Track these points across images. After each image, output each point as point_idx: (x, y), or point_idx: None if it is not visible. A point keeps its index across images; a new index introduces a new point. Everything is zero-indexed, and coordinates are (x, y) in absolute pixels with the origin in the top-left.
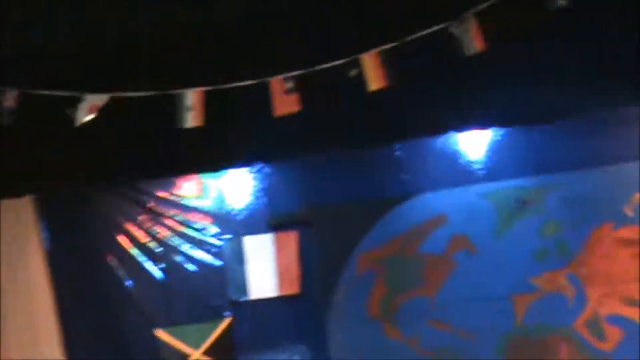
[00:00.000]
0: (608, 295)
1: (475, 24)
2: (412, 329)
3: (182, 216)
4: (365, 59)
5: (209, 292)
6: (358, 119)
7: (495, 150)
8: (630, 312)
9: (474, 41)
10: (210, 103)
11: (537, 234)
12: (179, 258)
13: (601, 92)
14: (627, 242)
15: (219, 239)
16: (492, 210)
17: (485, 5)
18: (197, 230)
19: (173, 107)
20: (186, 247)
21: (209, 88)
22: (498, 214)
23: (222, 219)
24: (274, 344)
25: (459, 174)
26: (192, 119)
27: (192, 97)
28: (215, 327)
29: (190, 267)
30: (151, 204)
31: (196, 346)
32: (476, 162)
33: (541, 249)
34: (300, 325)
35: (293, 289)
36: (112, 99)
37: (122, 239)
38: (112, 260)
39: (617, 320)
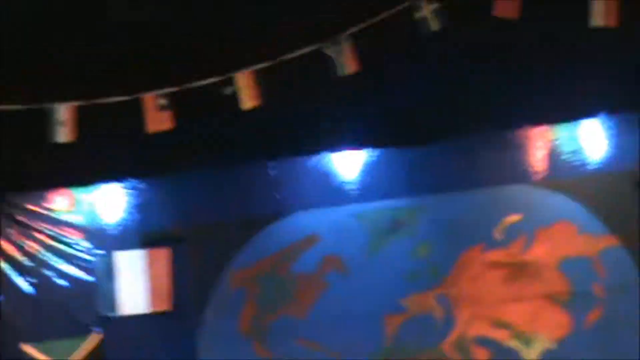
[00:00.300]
0: (476, 317)
1: (349, 45)
2: (281, 348)
3: (53, 230)
4: (239, 77)
5: (79, 307)
6: (232, 137)
7: (368, 170)
8: (497, 334)
9: (347, 62)
10: (82, 118)
11: (409, 255)
12: (49, 272)
13: (473, 117)
14: (496, 265)
15: (90, 254)
16: (364, 230)
17: (359, 27)
18: (68, 244)
19: (45, 121)
20: (57, 262)
21: (82, 103)
22: (370, 234)
23: (93, 233)
24: None
25: (332, 193)
26: (64, 133)
27: (64, 112)
28: (83, 342)
29: (61, 281)
30: (21, 218)
31: None
32: (349, 182)
33: (412, 270)
34: (171, 342)
35: (164, 305)
36: None
37: None
38: None
39: (484, 341)
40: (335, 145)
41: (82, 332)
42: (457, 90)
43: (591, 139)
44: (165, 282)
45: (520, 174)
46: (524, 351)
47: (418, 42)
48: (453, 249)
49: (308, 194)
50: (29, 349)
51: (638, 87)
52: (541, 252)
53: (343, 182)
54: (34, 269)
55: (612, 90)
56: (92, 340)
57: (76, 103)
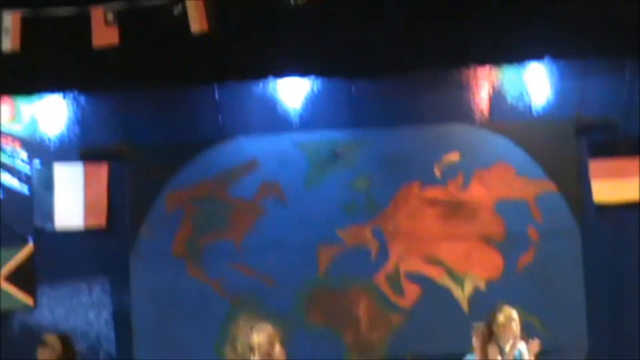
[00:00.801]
0: (410, 253)
1: None
2: (215, 270)
3: None
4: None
5: (14, 218)
6: (179, 59)
7: (312, 100)
8: (430, 271)
9: None
10: (28, 28)
11: (348, 187)
12: None
13: (420, 53)
14: (433, 202)
15: (28, 165)
16: (305, 160)
17: None
18: (6, 154)
19: None
20: None
21: (28, 12)
22: (310, 164)
23: (33, 145)
24: (76, 275)
25: (275, 121)
26: (8, 42)
27: (9, 20)
28: (16, 253)
29: None
30: None
31: None
32: (293, 111)
33: (350, 202)
34: (104, 258)
35: (100, 221)
36: None
37: None
38: None
39: (417, 277)
40: (282, 72)
41: (16, 243)
42: (405, 27)
43: (535, 83)
44: (101, 198)
45: (463, 113)
46: (456, 289)
47: None
48: (391, 183)
49: (251, 119)
50: None
51: (583, 34)
52: (478, 192)
53: (287, 110)
54: None
55: (558, 35)
56: (25, 251)
57: (22, 11)
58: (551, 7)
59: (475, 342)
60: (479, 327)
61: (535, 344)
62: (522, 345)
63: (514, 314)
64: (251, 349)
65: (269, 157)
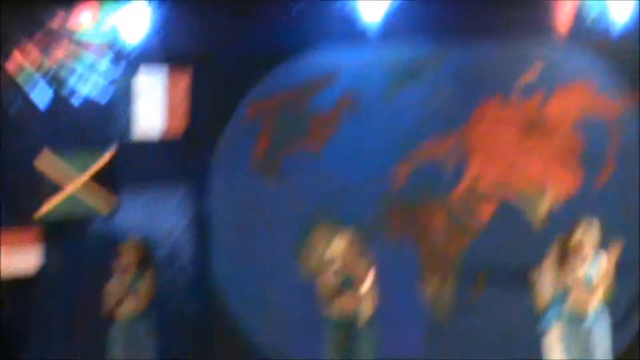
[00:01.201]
0: (487, 169)
1: None
2: (293, 181)
3: (74, 47)
4: None
5: (95, 126)
6: None
7: (393, 14)
8: (507, 187)
9: None
10: None
11: (426, 102)
12: (67, 90)
13: None
14: (512, 119)
15: (110, 74)
16: (384, 73)
17: None
18: (87, 63)
19: None
20: (75, 80)
21: None
22: (389, 78)
23: (114, 53)
24: (155, 183)
25: (355, 34)
26: None
27: None
28: (97, 159)
29: (78, 99)
30: (44, 32)
31: (76, 176)
32: (373, 24)
33: (428, 117)
34: (183, 166)
35: (180, 129)
36: None
37: (10, 66)
38: None
39: (493, 193)
40: None
41: (97, 149)
42: None
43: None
44: (182, 105)
45: (545, 29)
46: (532, 206)
47: None
48: (470, 99)
49: (332, 32)
50: (44, 159)
51: None
52: (558, 109)
53: (367, 23)
54: (52, 85)
55: None
56: (105, 158)
57: None
58: None
59: (551, 259)
60: (556, 244)
61: (615, 249)
62: (597, 263)
63: (591, 231)
64: (329, 259)
65: (348, 71)
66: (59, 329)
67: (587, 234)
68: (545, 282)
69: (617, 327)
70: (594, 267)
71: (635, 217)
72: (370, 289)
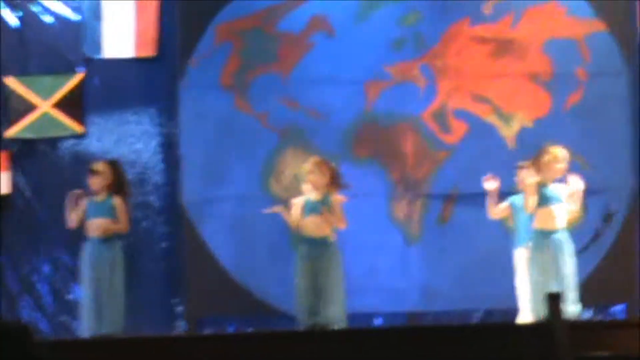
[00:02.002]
0: (458, 90)
1: None
2: (262, 104)
3: None
4: None
5: (64, 45)
6: None
7: None
8: (477, 109)
9: None
10: None
11: (397, 23)
12: (36, 8)
13: None
14: (482, 40)
15: None
16: None
17: None
18: None
19: None
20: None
21: None
22: None
23: None
24: (124, 105)
25: None
26: None
27: None
28: (66, 81)
29: (48, 18)
30: None
31: (45, 97)
32: None
33: (399, 38)
34: (153, 88)
35: (149, 51)
36: None
37: None
38: None
39: (463, 114)
40: None
41: (66, 70)
42: None
43: None
44: (152, 27)
45: None
46: (502, 127)
47: None
48: (441, 20)
49: None
50: (12, 82)
51: None
52: (528, 30)
53: None
54: (20, 3)
55: None
56: (75, 79)
57: None
58: None
59: (520, 180)
60: (524, 165)
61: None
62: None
63: (560, 152)
64: (299, 182)
65: None
66: (30, 252)
67: (557, 155)
68: (516, 201)
69: (581, 253)
70: (563, 187)
71: (604, 140)
72: (340, 210)
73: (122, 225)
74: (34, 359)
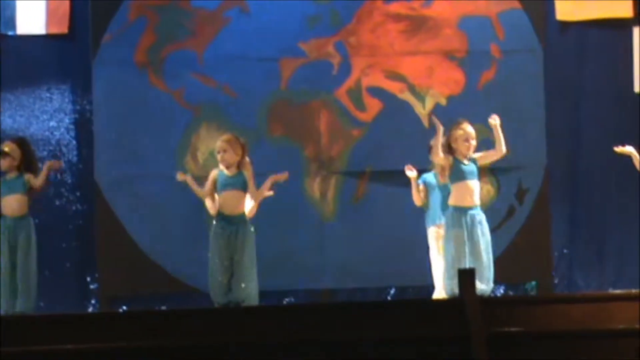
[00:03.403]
0: (372, 67)
1: None
2: (177, 80)
3: None
4: None
5: None
6: None
7: None
8: (392, 86)
9: None
10: None
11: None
12: None
13: None
14: (396, 17)
15: None
16: None
17: None
18: None
19: None
20: None
21: None
22: None
23: None
24: (37, 82)
25: None
26: None
27: None
28: None
29: None
30: None
31: None
32: None
33: (314, 15)
34: (66, 65)
35: (62, 28)
36: None
37: None
38: None
39: (378, 92)
40: None
41: None
42: None
43: None
44: (64, 4)
45: None
46: (417, 105)
47: None
48: None
49: None
50: None
51: None
52: (442, 8)
53: None
54: None
55: None
56: None
57: None
58: None
59: (433, 157)
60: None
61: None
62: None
63: (470, 129)
64: (214, 158)
65: None
66: None
67: (468, 131)
68: (428, 179)
69: (495, 231)
70: (476, 163)
71: (517, 118)
72: (254, 187)
73: (25, 202)
74: None
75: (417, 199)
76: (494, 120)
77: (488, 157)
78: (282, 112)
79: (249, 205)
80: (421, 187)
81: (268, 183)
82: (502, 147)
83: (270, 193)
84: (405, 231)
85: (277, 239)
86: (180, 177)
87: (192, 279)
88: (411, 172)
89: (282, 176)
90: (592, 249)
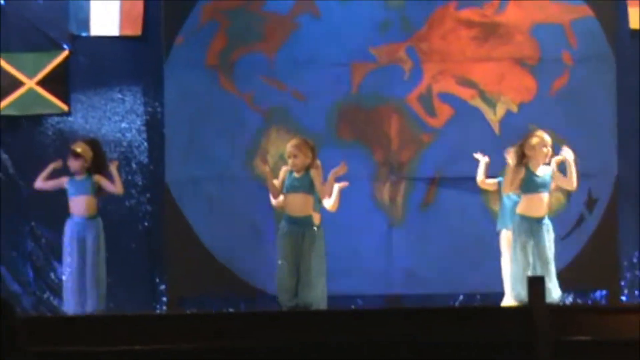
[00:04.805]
0: (443, 73)
1: None
2: (247, 84)
3: None
4: None
5: (49, 23)
6: None
7: None
8: (463, 92)
9: None
10: None
11: (383, 5)
12: None
13: None
14: (468, 23)
15: None
16: None
17: None
18: None
19: None
20: None
21: None
22: None
23: None
24: (109, 83)
25: None
26: None
27: None
28: (51, 58)
29: None
30: None
31: (31, 75)
32: None
33: (385, 21)
34: (138, 67)
35: (135, 29)
36: None
37: None
38: None
39: (449, 98)
40: None
41: (51, 47)
42: None
43: None
44: (137, 5)
45: None
46: (487, 111)
47: None
48: (427, 3)
49: None
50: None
51: None
52: (514, 14)
53: None
54: None
55: None
56: (60, 57)
57: None
58: None
59: (509, 165)
60: (511, 150)
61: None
62: (551, 167)
63: (546, 137)
64: (283, 162)
65: None
66: (15, 230)
67: (544, 138)
68: (502, 187)
69: (564, 239)
70: (549, 173)
71: (588, 126)
72: (324, 191)
73: (95, 202)
74: (14, 333)
75: (481, 180)
76: (569, 154)
77: (559, 181)
78: (352, 116)
79: (327, 202)
80: (495, 183)
81: (331, 177)
82: (573, 183)
83: (345, 184)
84: (474, 238)
85: (345, 243)
86: (262, 167)
87: (260, 281)
88: (482, 157)
89: (341, 169)
90: None
